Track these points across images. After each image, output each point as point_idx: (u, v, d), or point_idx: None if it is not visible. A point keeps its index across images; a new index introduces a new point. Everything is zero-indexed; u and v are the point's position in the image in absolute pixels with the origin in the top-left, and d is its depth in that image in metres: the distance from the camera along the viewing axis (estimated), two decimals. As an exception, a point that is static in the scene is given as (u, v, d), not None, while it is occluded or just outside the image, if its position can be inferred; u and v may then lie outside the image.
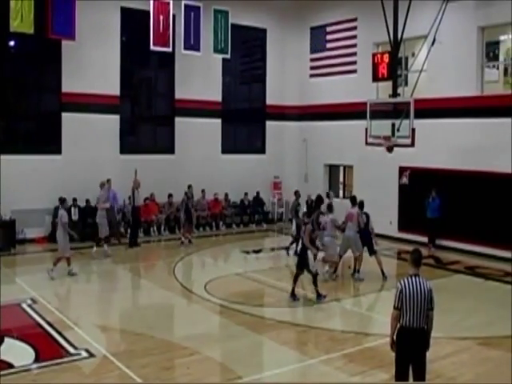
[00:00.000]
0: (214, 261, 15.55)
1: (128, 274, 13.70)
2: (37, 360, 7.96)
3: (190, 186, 17.04)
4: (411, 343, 5.96)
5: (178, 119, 18.99)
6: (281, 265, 14.66)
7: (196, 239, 17.03)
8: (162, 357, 8.09)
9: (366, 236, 12.84)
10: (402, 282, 6.02)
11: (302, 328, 9.53)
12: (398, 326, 6.04)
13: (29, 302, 10.55)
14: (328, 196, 15.91)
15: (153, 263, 15.31)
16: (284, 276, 13.00)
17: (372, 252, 12.80)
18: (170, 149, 18.89)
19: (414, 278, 6.00)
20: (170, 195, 18.05)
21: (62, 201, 12.94)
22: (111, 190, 16.16)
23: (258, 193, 20.49)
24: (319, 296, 10.94)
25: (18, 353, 8.18)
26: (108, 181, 16.09)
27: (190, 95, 18.86)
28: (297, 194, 15.74)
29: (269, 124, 21.22)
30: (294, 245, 14.50)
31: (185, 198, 16.72)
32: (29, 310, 10.14)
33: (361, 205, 12.93)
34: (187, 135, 19.02)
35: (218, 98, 19.82)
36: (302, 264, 10.99)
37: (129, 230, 16.76)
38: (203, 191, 18.77)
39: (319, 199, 13.65)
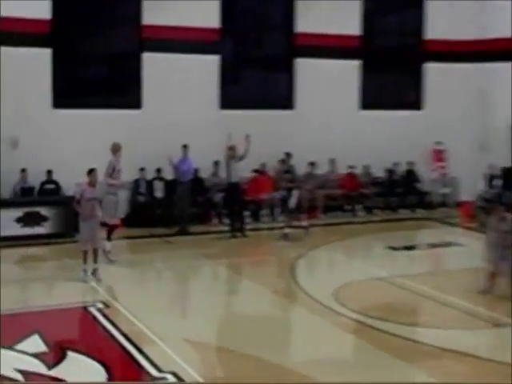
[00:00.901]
0: (348, 259, 15.43)
1: (228, 273, 13.95)
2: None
3: (288, 154, 16.88)
4: None
5: (298, 61, 19.04)
6: (444, 268, 14.22)
7: (324, 228, 17.09)
8: (272, 387, 8.09)
9: None
10: None
11: (475, 360, 9.09)
12: None
13: (99, 305, 10.94)
14: None
15: (262, 259, 15.45)
16: (449, 284, 12.60)
17: None
18: (287, 102, 18.99)
19: None
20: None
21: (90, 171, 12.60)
22: (187, 159, 16.56)
23: (411, 165, 20.13)
24: None
25: (85, 372, 8.41)
26: (185, 146, 16.46)
27: (315, 28, 18.74)
28: None
29: (428, 67, 20.75)
30: None
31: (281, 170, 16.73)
32: (99, 315, 10.51)
33: None
34: (311, 83, 18.94)
35: (355, 31, 19.62)
36: None
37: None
38: (333, 161, 18.75)
39: None
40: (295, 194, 16.38)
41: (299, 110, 18.99)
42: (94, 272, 12.43)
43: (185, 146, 16.59)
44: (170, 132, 16.94)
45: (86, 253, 12.43)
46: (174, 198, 16.87)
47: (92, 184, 12.55)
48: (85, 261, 12.40)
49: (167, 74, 17.32)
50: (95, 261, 12.54)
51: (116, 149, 13.93)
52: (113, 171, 13.68)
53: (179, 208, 16.71)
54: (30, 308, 10.89)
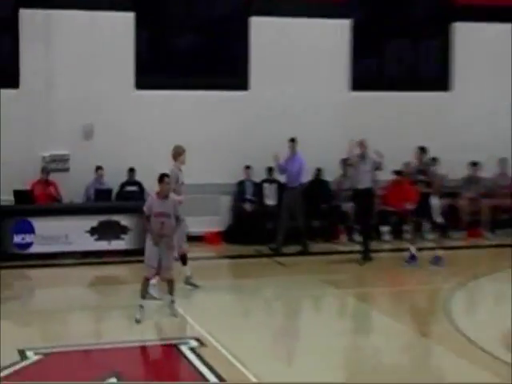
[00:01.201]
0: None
1: (358, 306, 13.86)
2: None
3: (422, 149, 16.58)
4: None
5: (457, 26, 18.98)
6: None
7: (490, 250, 17.09)
8: None
9: None
10: None
11: None
12: None
13: (192, 343, 10.96)
14: None
15: (405, 289, 15.24)
16: None
17: None
18: (441, 81, 18.98)
19: None
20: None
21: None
22: (296, 157, 16.49)
23: None
24: None
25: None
26: (293, 140, 16.41)
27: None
28: None
29: None
30: None
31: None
32: (191, 356, 10.52)
33: None
34: (475, 56, 18.88)
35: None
36: None
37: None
38: (504, 161, 18.63)
39: None
40: (435, 202, 16.01)
41: (457, 91, 18.94)
42: (171, 305, 12.14)
43: (293, 140, 16.49)
44: (284, 120, 17.14)
45: (147, 281, 11.87)
46: (280, 206, 16.91)
47: (162, 195, 11.77)
48: (143, 292, 11.80)
49: (285, 45, 17.56)
50: (171, 292, 12.13)
51: (179, 153, 13.43)
52: (176, 183, 12.99)
53: (283, 220, 16.70)
54: (105, 344, 10.99)
